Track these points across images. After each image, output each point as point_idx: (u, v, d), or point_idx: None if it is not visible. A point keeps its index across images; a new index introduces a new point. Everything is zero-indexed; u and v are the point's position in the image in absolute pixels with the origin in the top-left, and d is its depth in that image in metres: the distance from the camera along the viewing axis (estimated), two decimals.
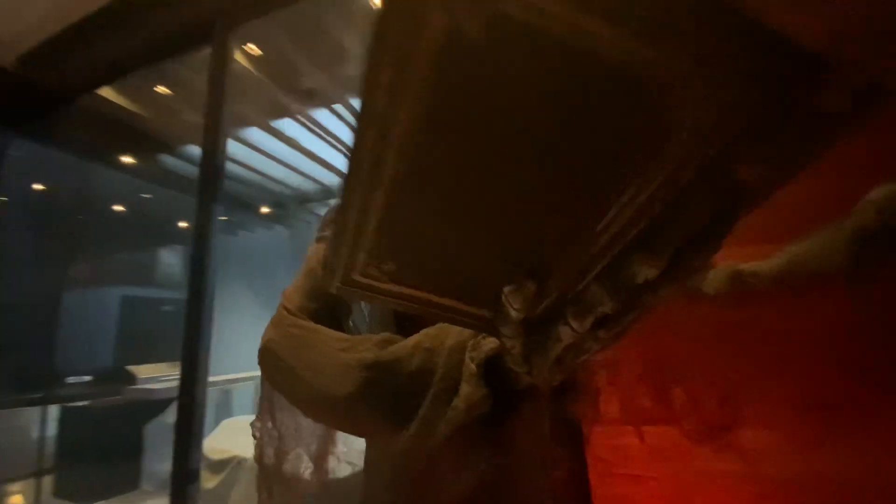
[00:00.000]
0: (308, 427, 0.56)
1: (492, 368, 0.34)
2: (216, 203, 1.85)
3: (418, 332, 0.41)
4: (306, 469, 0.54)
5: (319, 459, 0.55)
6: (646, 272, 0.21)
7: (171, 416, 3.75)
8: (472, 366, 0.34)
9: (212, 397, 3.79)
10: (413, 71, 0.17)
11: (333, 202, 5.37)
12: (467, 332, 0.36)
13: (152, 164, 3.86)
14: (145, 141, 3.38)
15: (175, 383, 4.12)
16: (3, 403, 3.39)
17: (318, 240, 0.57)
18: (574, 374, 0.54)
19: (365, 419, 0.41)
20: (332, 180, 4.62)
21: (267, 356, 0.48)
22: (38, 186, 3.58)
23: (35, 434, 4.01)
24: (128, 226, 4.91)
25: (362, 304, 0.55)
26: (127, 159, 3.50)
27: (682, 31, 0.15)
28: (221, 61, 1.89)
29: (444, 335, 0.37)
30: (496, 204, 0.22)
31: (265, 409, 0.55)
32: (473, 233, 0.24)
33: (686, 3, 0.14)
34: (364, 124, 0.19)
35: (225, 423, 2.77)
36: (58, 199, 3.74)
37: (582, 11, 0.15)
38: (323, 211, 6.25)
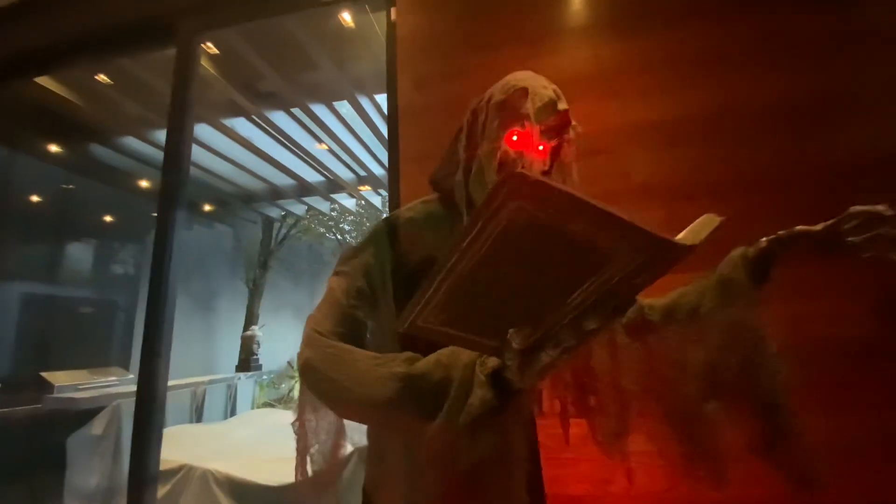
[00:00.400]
0: (324, 427, 0.68)
1: (494, 378, 0.49)
2: (179, 209, 1.82)
3: (416, 349, 0.56)
4: (324, 459, 0.67)
5: (334, 451, 0.67)
6: (591, 324, 0.44)
7: (96, 427, 3.48)
8: (482, 376, 0.49)
9: (130, 404, 3.56)
10: (488, 234, 0.38)
11: (284, 202, 5.24)
12: (474, 353, 0.51)
13: (82, 154, 3.57)
14: (77, 130, 3.15)
15: (99, 392, 3.82)
16: None
17: (337, 274, 0.69)
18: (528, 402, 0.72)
19: (400, 417, 0.54)
20: (283, 181, 4.54)
21: (308, 371, 0.59)
22: None
23: None
24: (44, 218, 4.45)
25: (369, 331, 0.68)
26: (54, 148, 3.22)
27: (624, 237, 0.38)
28: (186, 69, 1.86)
29: (456, 356, 0.52)
30: (513, 292, 0.44)
31: (304, 410, 0.65)
32: (497, 305, 0.45)
33: (621, 227, 0.37)
34: (452, 250, 0.40)
35: (167, 431, 2.66)
36: None
37: (573, 218, 0.36)
38: (271, 211, 6.05)
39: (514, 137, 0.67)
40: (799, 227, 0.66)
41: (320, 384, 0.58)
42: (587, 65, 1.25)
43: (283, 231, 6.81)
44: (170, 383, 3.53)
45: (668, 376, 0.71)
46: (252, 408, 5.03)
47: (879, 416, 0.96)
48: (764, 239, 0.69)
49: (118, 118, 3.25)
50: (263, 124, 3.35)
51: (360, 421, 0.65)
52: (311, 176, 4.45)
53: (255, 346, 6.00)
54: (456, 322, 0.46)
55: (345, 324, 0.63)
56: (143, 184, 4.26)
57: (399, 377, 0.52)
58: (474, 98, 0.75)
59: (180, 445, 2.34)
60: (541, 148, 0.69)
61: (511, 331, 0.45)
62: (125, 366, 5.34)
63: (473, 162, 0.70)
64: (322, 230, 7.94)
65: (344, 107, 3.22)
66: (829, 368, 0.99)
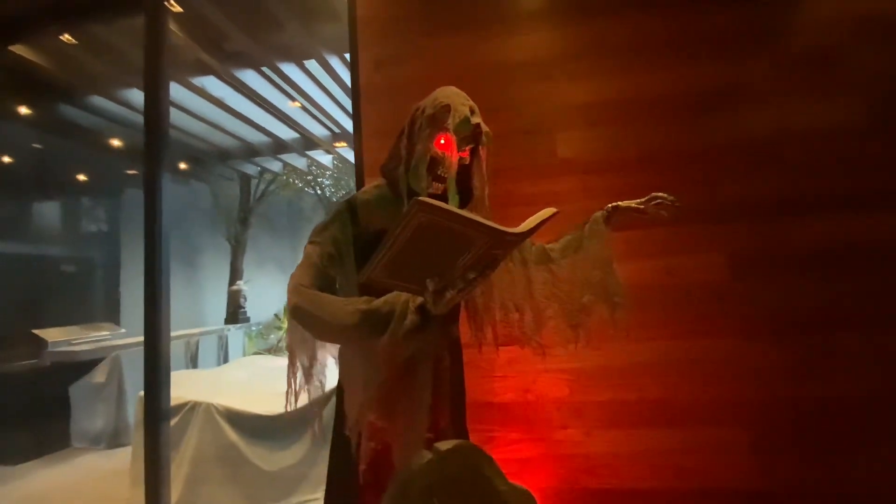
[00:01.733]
0: (307, 356, 0.94)
1: (420, 309, 0.77)
2: (162, 169, 1.94)
3: (370, 294, 0.83)
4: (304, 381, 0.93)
5: (309, 376, 0.94)
6: (471, 275, 0.75)
7: (98, 376, 3.75)
8: (412, 307, 0.78)
9: (128, 355, 3.81)
10: (410, 227, 0.67)
11: (261, 159, 5.26)
12: (407, 295, 0.79)
13: (51, 114, 3.54)
14: (45, 91, 3.13)
15: (94, 345, 4.04)
16: None
17: (312, 243, 0.93)
18: (457, 315, 1.01)
19: (361, 336, 0.81)
20: (258, 138, 4.56)
21: (297, 312, 0.84)
22: None
23: None
24: (17, 178, 4.41)
25: (338, 283, 0.93)
26: (24, 110, 3.20)
27: (478, 230, 0.68)
28: (156, 29, 1.92)
29: (397, 297, 0.80)
30: (428, 258, 0.73)
31: (293, 345, 0.91)
32: (420, 266, 0.74)
33: (476, 225, 0.66)
34: (391, 233, 0.70)
35: (174, 374, 2.92)
36: None
37: (453, 221, 0.68)
38: (248, 168, 6.04)
39: (442, 141, 0.91)
40: (627, 201, 1.10)
41: (307, 319, 0.84)
42: (525, 51, 1.43)
43: (262, 187, 6.83)
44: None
45: (562, 287, 1.11)
46: (243, 356, 5.35)
47: (727, 342, 1.29)
48: (610, 205, 1.10)
49: (84, 78, 3.22)
50: (234, 84, 3.37)
51: (335, 342, 0.91)
52: (286, 133, 4.49)
53: (241, 300, 6.24)
54: (396, 275, 0.76)
55: (320, 279, 0.88)
56: (115, 142, 4.23)
57: (361, 311, 0.79)
58: (413, 106, 0.96)
59: (182, 386, 2.62)
60: (459, 152, 0.94)
61: (427, 280, 0.74)
62: (115, 321, 5.54)
63: (412, 159, 0.93)
64: (300, 185, 7.95)
65: (313, 65, 3.25)
66: (693, 305, 1.30)
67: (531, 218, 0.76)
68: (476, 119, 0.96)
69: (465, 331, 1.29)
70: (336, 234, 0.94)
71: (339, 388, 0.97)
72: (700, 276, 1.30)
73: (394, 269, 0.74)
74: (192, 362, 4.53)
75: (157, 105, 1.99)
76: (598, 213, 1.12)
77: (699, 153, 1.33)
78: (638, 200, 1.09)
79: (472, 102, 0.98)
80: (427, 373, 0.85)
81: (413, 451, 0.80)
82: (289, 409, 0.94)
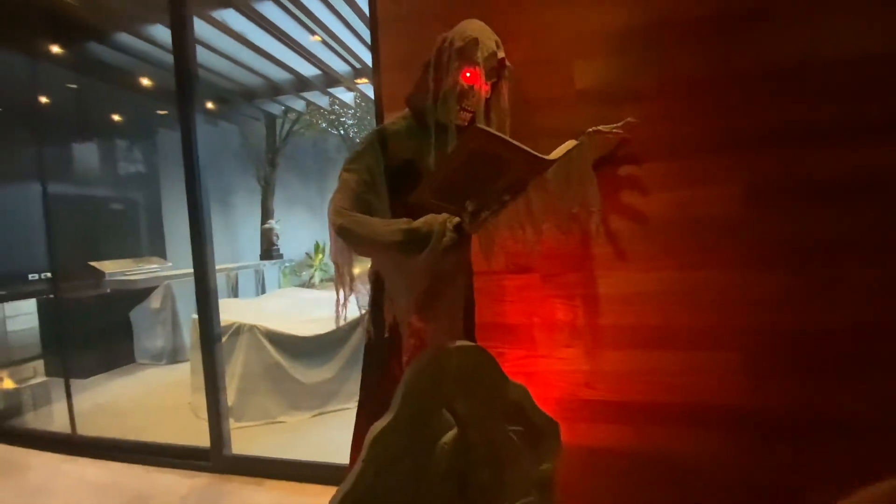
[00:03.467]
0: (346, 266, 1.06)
1: (457, 227, 0.85)
2: (195, 110, 2.03)
3: (409, 218, 0.91)
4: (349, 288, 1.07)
5: (354, 285, 1.07)
6: (506, 198, 0.85)
7: (154, 302, 4.17)
8: (450, 226, 0.85)
9: (177, 285, 4.17)
10: (462, 154, 0.76)
11: (284, 98, 5.25)
12: (445, 216, 0.86)
13: (81, 54, 3.63)
14: (74, 29, 3.19)
15: (146, 276, 4.43)
16: None
17: (347, 170, 1.01)
18: (469, 241, 1.11)
19: (403, 251, 0.88)
20: (280, 76, 4.53)
21: (343, 231, 0.93)
22: None
23: (10, 327, 4.28)
24: (52, 118, 4.60)
25: (372, 207, 1.02)
26: (56, 49, 3.30)
27: (518, 154, 0.76)
28: None
29: (434, 218, 0.86)
30: (469, 182, 0.82)
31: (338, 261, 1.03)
32: (461, 189, 0.83)
33: (517, 150, 0.75)
34: (445, 160, 0.82)
35: (220, 302, 3.23)
36: None
37: (498, 148, 0.75)
38: (272, 108, 6.06)
39: (468, 74, 0.96)
40: (607, 125, 1.27)
41: (353, 238, 0.94)
42: None
43: (287, 128, 6.87)
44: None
45: (555, 203, 1.31)
46: (279, 289, 5.74)
47: (731, 272, 1.33)
48: (591, 128, 1.26)
49: (110, 15, 3.25)
50: (254, 17, 3.32)
51: (378, 257, 1.03)
52: (308, 70, 4.44)
53: (274, 238, 6.56)
54: (442, 197, 0.84)
55: (358, 203, 0.98)
56: (145, 82, 4.32)
57: (403, 230, 0.89)
58: (438, 37, 0.99)
59: (228, 312, 2.91)
60: (486, 83, 1.02)
61: (467, 202, 0.83)
62: (161, 255, 5.99)
63: (440, 91, 0.98)
64: (324, 125, 7.93)
65: None
66: (700, 237, 1.33)
67: (559, 147, 0.85)
68: (501, 53, 1.00)
69: (477, 260, 1.39)
70: (370, 162, 1.02)
71: (374, 302, 1.11)
72: (710, 208, 1.32)
73: (442, 191, 0.83)
74: (234, 293, 4.93)
75: (183, 39, 2.03)
76: (582, 137, 1.24)
77: (720, 82, 1.29)
78: (615, 125, 1.26)
79: (496, 37, 1.04)
80: (461, 283, 0.98)
81: (443, 347, 0.94)
82: (340, 318, 1.08)
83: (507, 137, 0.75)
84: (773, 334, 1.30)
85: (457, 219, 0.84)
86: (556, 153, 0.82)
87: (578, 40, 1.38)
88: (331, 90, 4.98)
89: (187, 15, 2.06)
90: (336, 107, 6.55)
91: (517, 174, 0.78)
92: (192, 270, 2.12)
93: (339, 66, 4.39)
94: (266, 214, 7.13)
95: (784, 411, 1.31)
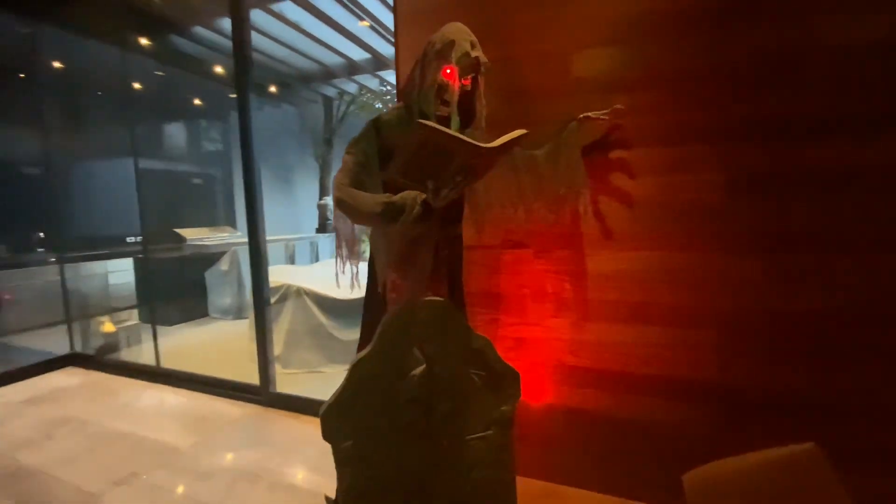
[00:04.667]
0: (347, 229, 1.29)
1: (424, 203, 1.03)
2: (250, 90, 2.35)
3: (389, 191, 1.10)
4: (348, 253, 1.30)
5: (352, 249, 1.30)
6: (458, 178, 1.01)
7: (223, 265, 4.78)
8: (418, 201, 1.03)
9: (244, 251, 4.73)
10: (415, 143, 0.93)
11: (338, 81, 5.59)
12: (415, 192, 1.03)
13: (164, 45, 4.13)
14: (157, 23, 3.66)
15: (219, 242, 5.04)
16: (78, 258, 4.13)
17: (348, 153, 1.22)
18: (458, 216, 1.29)
19: (383, 221, 1.04)
20: (332, 60, 4.85)
21: (339, 202, 1.11)
22: (58, 65, 3.91)
23: (111, 281, 5.07)
24: (142, 102, 5.27)
25: (367, 184, 1.23)
26: (143, 41, 3.81)
27: (462, 145, 0.92)
28: None
29: (409, 193, 1.03)
30: (427, 165, 0.97)
31: (337, 222, 1.26)
32: (422, 170, 0.99)
33: (458, 141, 0.91)
34: (402, 147, 0.98)
35: (272, 267, 3.70)
36: (80, 78, 4.10)
37: (443, 139, 0.89)
38: (328, 91, 6.45)
39: (448, 71, 1.12)
40: (595, 112, 1.38)
41: (347, 208, 1.15)
42: None
43: (343, 109, 7.26)
44: (269, 238, 4.61)
45: (545, 184, 1.45)
46: (329, 258, 6.24)
47: (714, 256, 1.39)
48: (581, 114, 1.38)
49: (188, 10, 3.69)
50: (307, 6, 3.60)
51: (366, 224, 1.24)
52: (358, 54, 4.70)
53: (328, 213, 7.05)
54: (407, 176, 1.01)
55: (354, 180, 1.19)
56: (218, 69, 4.81)
57: (383, 203, 1.07)
58: (426, 42, 1.16)
59: (282, 275, 3.33)
60: (461, 81, 1.17)
61: (428, 181, 1.00)
62: (232, 224, 6.72)
63: (423, 87, 1.15)
64: (379, 105, 8.24)
65: None
66: (685, 222, 1.40)
67: (502, 137, 0.96)
68: (476, 52, 1.15)
69: (474, 235, 1.56)
70: (365, 147, 1.22)
71: (371, 259, 1.33)
72: (693, 194, 1.37)
73: (405, 173, 1.00)
74: (291, 260, 5.46)
75: (241, 30, 2.34)
76: (573, 123, 1.40)
77: (713, 71, 1.32)
78: (603, 111, 1.37)
79: (473, 37, 1.16)
80: (428, 250, 1.15)
81: (415, 301, 1.14)
82: (350, 284, 1.33)
83: (447, 130, 0.89)
84: (748, 316, 1.36)
85: (424, 195, 1.02)
86: (497, 141, 0.94)
87: (576, 32, 1.46)
88: (379, 73, 5.22)
89: (245, 8, 2.36)
90: (386, 86, 6.82)
91: (463, 160, 0.93)
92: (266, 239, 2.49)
93: (386, 49, 4.60)
94: (323, 191, 7.65)
95: (754, 389, 1.37)
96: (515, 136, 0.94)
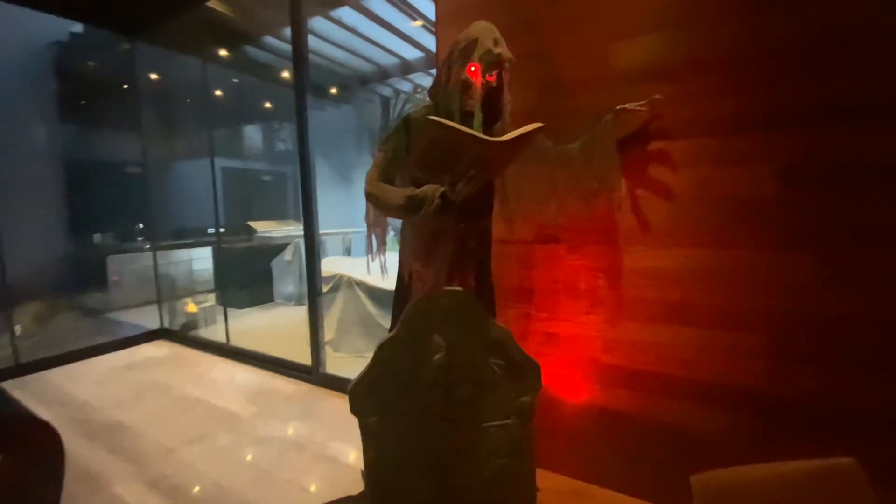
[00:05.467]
0: (378, 221, 1.38)
1: (442, 196, 1.10)
2: (307, 92, 2.54)
3: (414, 185, 1.17)
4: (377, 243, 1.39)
5: (381, 240, 1.39)
6: (471, 173, 1.07)
7: (287, 255, 5.19)
8: (438, 195, 1.10)
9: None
10: (427, 139, 1.05)
11: (393, 81, 5.79)
12: (435, 186, 1.11)
13: (239, 55, 4.54)
14: (233, 35, 4.03)
15: (284, 234, 5.46)
16: (166, 246, 4.68)
17: (380, 150, 1.31)
18: (488, 210, 1.34)
19: (406, 213, 1.13)
20: (387, 60, 5.02)
21: (370, 196, 1.23)
22: (154, 76, 4.43)
23: (195, 267, 5.66)
24: (224, 108, 5.82)
25: (396, 179, 1.31)
26: (222, 52, 4.21)
27: (473, 139, 0.98)
28: None
29: (430, 187, 1.11)
30: (443, 160, 1.06)
31: (368, 213, 1.37)
32: (438, 165, 1.09)
33: (468, 136, 0.97)
34: (417, 144, 1.17)
35: (325, 259, 3.96)
36: (171, 88, 4.63)
37: (453, 134, 0.97)
38: (382, 90, 6.69)
39: (472, 69, 1.16)
40: (632, 103, 1.35)
41: (376, 201, 1.25)
42: None
43: (399, 108, 7.48)
44: (327, 231, 4.89)
45: (579, 179, 1.46)
46: None
47: (757, 253, 1.29)
48: (618, 106, 1.35)
49: (257, 22, 4.02)
50: (363, 10, 3.77)
51: (393, 216, 1.33)
52: (411, 53, 4.83)
53: None
54: (423, 171, 1.09)
55: (384, 175, 1.28)
56: (285, 75, 5.19)
57: (406, 196, 1.15)
58: (453, 41, 1.21)
59: (336, 266, 3.56)
60: (484, 78, 1.20)
61: (445, 176, 1.06)
62: (299, 219, 7.22)
63: (449, 84, 1.20)
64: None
65: None
66: (730, 217, 1.32)
67: (514, 131, 0.98)
68: (499, 49, 1.16)
69: (502, 229, 1.58)
70: (394, 144, 1.30)
71: (400, 254, 1.42)
72: (738, 188, 1.29)
73: (421, 167, 1.07)
74: (347, 252, 5.78)
75: (299, 37, 2.53)
76: (608, 116, 1.37)
77: (754, 59, 1.24)
78: (641, 102, 1.33)
79: (497, 35, 1.18)
80: (449, 241, 1.22)
81: (437, 290, 1.21)
82: (371, 263, 1.43)
83: (452, 124, 0.93)
84: (798, 319, 1.25)
85: (443, 189, 1.07)
86: (509, 135, 0.96)
87: (613, 22, 1.43)
88: (432, 71, 5.32)
89: (303, 17, 2.55)
90: None
91: (473, 153, 0.96)
92: (319, 233, 2.70)
93: None
94: None
95: (800, 400, 1.28)
96: (529, 129, 0.96)
